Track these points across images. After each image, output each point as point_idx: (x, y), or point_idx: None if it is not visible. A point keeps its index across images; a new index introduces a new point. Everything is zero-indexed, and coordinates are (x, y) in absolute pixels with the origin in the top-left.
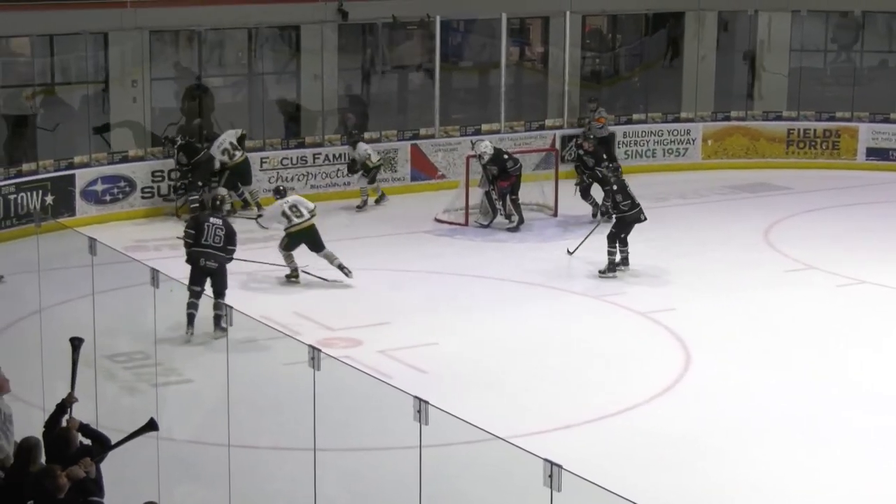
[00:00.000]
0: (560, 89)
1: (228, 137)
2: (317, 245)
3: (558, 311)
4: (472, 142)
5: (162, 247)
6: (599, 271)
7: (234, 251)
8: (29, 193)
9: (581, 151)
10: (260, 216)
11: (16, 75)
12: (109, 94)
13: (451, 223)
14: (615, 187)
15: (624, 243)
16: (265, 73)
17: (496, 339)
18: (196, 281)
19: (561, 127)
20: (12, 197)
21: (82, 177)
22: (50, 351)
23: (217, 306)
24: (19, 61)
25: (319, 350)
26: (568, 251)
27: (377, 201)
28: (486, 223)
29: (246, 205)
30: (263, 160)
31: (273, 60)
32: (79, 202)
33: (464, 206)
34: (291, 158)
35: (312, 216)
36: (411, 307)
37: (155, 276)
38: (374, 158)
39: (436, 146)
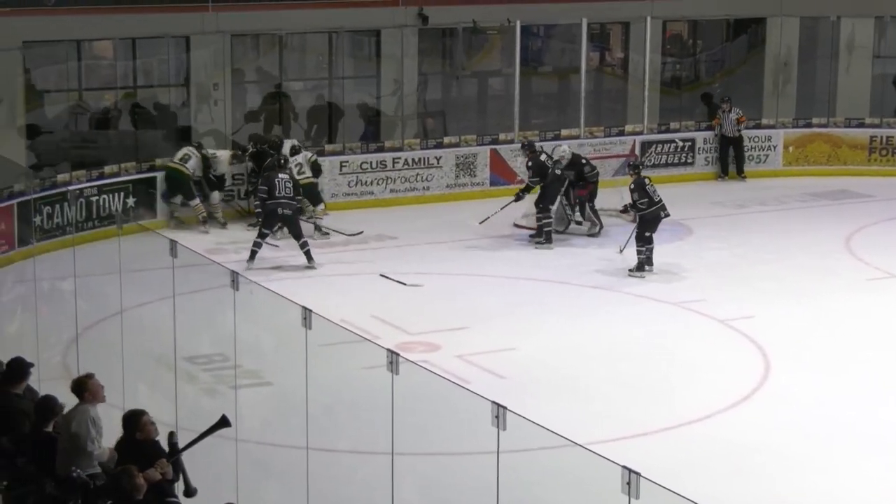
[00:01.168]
0: (640, 95)
1: (300, 159)
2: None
3: (637, 317)
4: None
5: (241, 249)
6: (629, 270)
7: (301, 200)
8: (110, 195)
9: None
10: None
11: (99, 78)
12: (190, 98)
13: (529, 228)
14: (632, 186)
15: (649, 241)
16: (345, 76)
17: (575, 345)
18: (268, 226)
19: (641, 132)
20: (94, 199)
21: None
22: (130, 352)
23: (303, 245)
24: (102, 64)
25: (398, 354)
26: (621, 251)
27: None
28: (560, 229)
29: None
30: (343, 164)
31: (353, 65)
32: (160, 204)
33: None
34: (371, 162)
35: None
36: (489, 312)
37: (235, 278)
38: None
39: (515, 151)
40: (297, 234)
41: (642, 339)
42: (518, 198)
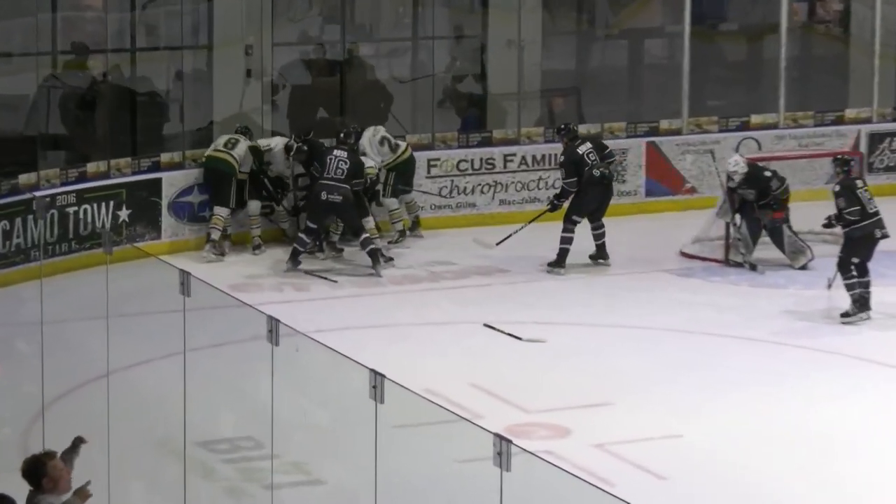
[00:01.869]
0: (867, 64)
1: (368, 135)
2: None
3: (854, 390)
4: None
5: (284, 286)
6: (841, 316)
7: (360, 185)
8: (95, 205)
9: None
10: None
11: (83, 36)
12: (213, 67)
13: (703, 259)
14: (836, 188)
15: (862, 272)
16: (436, 36)
17: (766, 432)
18: (315, 217)
19: (868, 120)
20: (72, 210)
21: (172, 182)
22: (120, 433)
23: (364, 243)
24: (86, 17)
25: (510, 441)
26: (829, 285)
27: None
28: (739, 260)
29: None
30: (432, 163)
31: (447, 21)
32: (166, 219)
33: (722, 234)
34: (473, 161)
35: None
36: (643, 381)
37: (274, 327)
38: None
39: (683, 146)
40: (353, 229)
41: (861, 424)
42: (553, 207)
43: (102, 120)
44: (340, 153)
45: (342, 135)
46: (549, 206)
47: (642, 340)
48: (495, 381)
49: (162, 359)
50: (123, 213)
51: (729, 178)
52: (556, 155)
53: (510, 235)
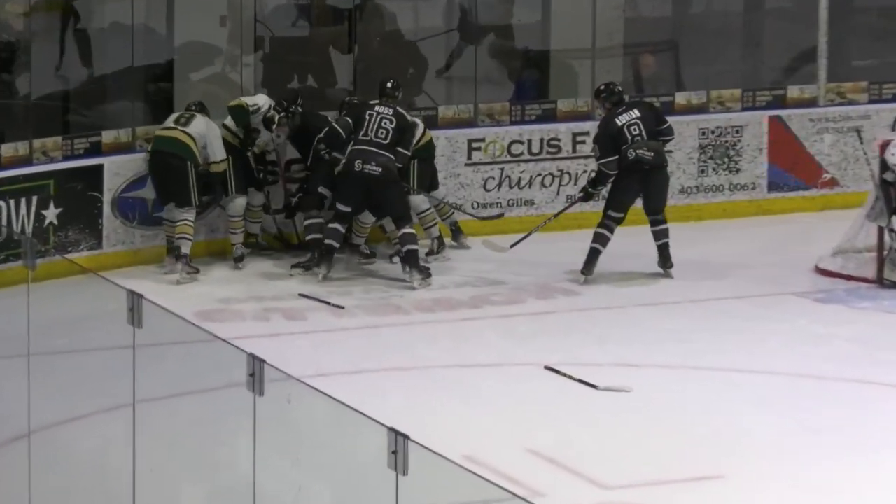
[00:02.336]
0: None
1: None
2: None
3: None
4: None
5: (273, 312)
6: None
7: (406, 156)
8: (12, 202)
9: None
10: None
11: None
12: (174, 8)
13: (847, 277)
14: None
15: None
16: None
17: None
18: (346, 197)
19: None
20: None
21: (117, 171)
22: None
23: (403, 239)
24: None
25: None
26: None
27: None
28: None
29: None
30: (474, 145)
31: None
32: (109, 221)
33: (874, 244)
34: (530, 142)
35: None
36: (766, 445)
37: (257, 370)
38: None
39: (819, 123)
40: (396, 215)
41: None
42: (586, 195)
43: (25, 86)
44: (384, 109)
45: (388, 86)
46: (580, 194)
47: (764, 389)
48: (561, 444)
49: (103, 413)
50: (51, 213)
51: (884, 167)
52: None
53: (529, 234)
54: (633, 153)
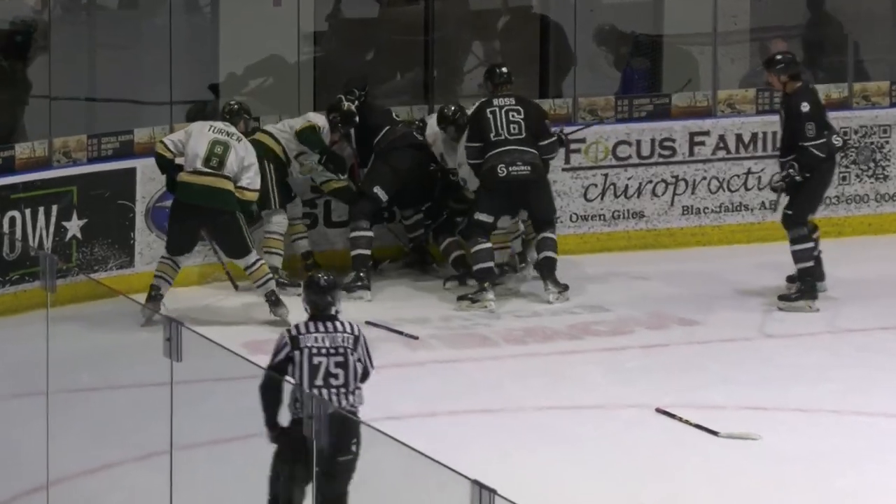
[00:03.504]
0: None
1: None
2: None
3: None
4: None
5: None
6: None
7: (553, 146)
8: (28, 212)
9: None
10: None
11: None
12: None
13: None
14: None
15: None
16: None
17: None
18: (489, 207)
19: None
20: None
21: (152, 174)
22: None
23: (542, 244)
24: None
25: None
26: None
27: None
28: None
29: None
30: (573, 145)
31: None
32: (142, 235)
33: None
34: (639, 143)
35: None
36: None
37: (319, 412)
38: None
39: None
40: (545, 218)
41: None
42: (789, 181)
43: (41, 78)
44: (506, 101)
45: (499, 72)
46: (782, 178)
47: None
48: (675, 501)
49: (134, 461)
50: (74, 226)
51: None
52: (774, 133)
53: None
54: (839, 140)
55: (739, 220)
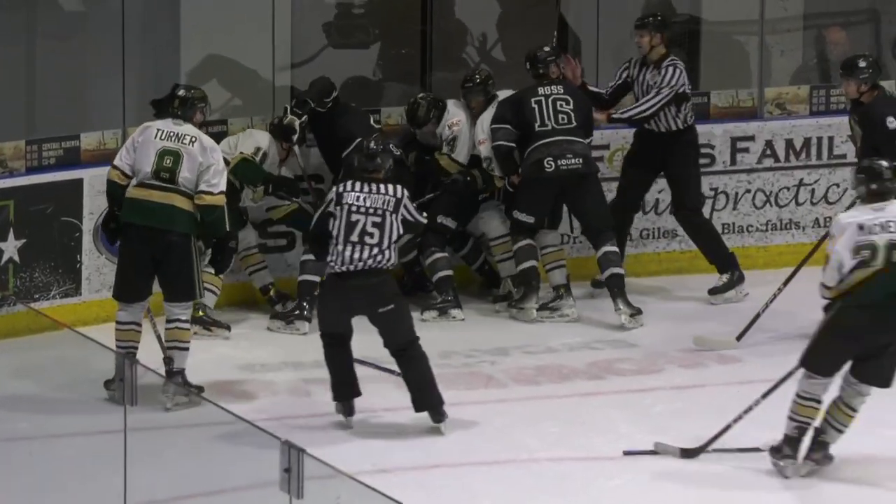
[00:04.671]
0: None
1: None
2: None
3: None
4: None
5: (315, 384)
6: None
7: (589, 142)
8: None
9: None
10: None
11: None
12: None
13: None
14: None
15: None
16: None
17: None
18: (530, 206)
19: None
20: None
21: (101, 187)
22: None
23: (607, 259)
24: None
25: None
26: None
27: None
28: None
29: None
30: (595, 152)
31: None
32: (89, 257)
33: None
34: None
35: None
36: None
37: (294, 462)
38: None
39: None
40: (602, 224)
41: None
42: None
43: None
44: (552, 89)
45: (541, 55)
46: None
47: None
48: None
49: None
50: (10, 247)
51: None
52: (831, 139)
53: (758, 316)
54: None
55: (788, 241)
